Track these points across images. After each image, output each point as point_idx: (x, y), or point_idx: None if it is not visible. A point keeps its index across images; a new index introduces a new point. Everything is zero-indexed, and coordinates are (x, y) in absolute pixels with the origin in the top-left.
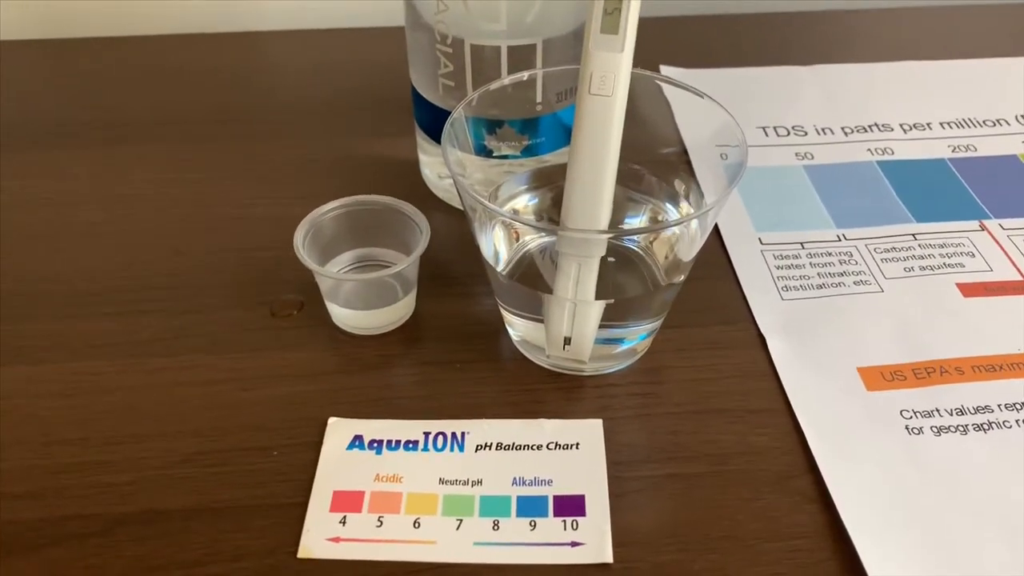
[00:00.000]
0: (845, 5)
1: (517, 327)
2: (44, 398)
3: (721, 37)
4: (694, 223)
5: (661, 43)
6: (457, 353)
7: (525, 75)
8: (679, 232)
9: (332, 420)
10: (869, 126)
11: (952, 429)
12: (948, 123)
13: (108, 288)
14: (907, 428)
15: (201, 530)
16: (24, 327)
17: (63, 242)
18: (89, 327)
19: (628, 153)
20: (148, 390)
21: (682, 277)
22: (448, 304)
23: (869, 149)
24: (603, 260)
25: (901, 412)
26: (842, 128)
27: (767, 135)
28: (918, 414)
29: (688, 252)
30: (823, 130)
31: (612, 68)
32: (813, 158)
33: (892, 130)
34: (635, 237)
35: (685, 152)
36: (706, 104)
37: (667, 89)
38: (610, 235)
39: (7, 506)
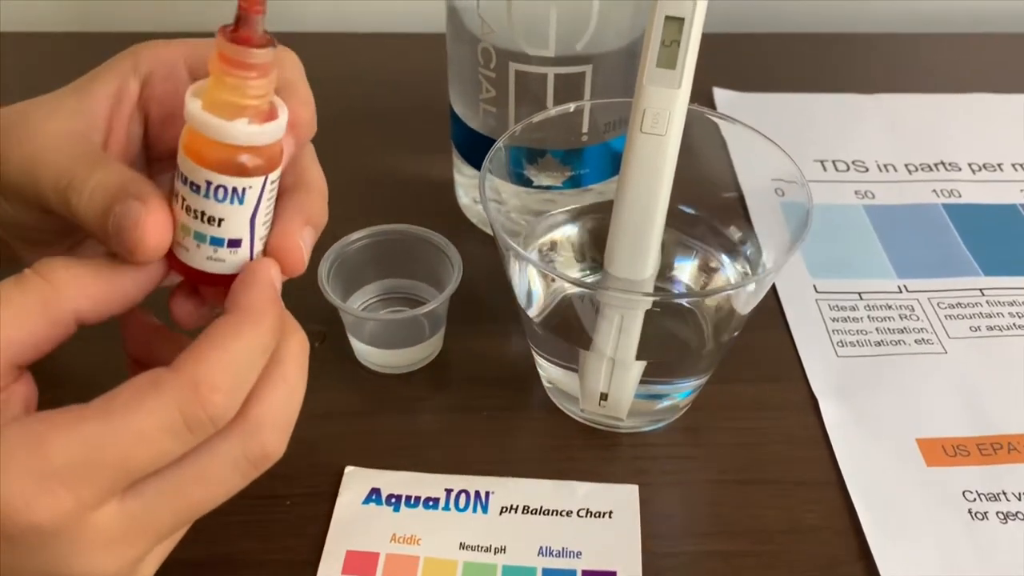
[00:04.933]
0: (912, 29)
1: (550, 374)
2: None
3: (778, 57)
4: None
5: (714, 62)
6: (485, 399)
7: (572, 107)
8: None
9: (349, 469)
10: (935, 164)
11: (1021, 516)
12: (1021, 164)
13: None
14: (970, 512)
15: None
16: None
17: None
18: (96, 348)
19: (679, 194)
20: None
21: (734, 334)
22: (478, 343)
23: (934, 190)
24: (648, 312)
25: (964, 493)
26: (906, 165)
27: (825, 169)
28: (982, 496)
29: (743, 309)
30: (885, 166)
31: (667, 105)
32: (874, 197)
33: (960, 169)
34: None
35: (741, 196)
36: (766, 147)
37: (724, 126)
38: (656, 298)
39: None
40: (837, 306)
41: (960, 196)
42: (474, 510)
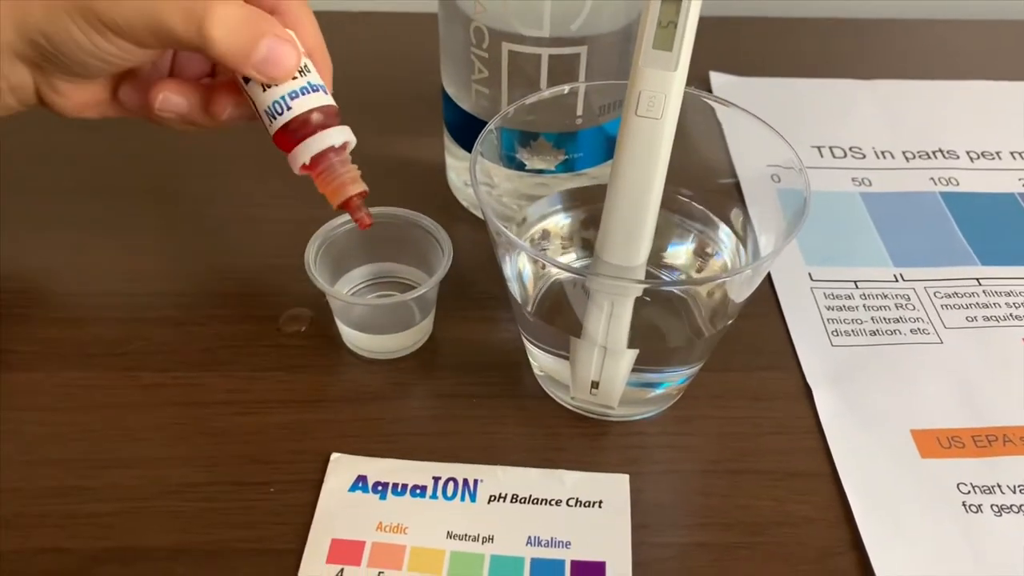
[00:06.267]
0: (911, 15)
1: (540, 361)
2: (30, 411)
3: (776, 42)
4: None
5: (710, 46)
6: (474, 386)
7: (566, 88)
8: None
9: (335, 456)
10: (933, 152)
11: (1015, 509)
12: (1019, 153)
13: (105, 291)
14: (964, 505)
15: (185, 574)
16: (12, 330)
17: (59, 236)
18: (83, 333)
19: (674, 179)
20: (140, 408)
21: (728, 323)
22: (468, 328)
23: (932, 178)
24: (639, 299)
25: (958, 485)
26: (903, 152)
27: (822, 155)
28: (977, 489)
29: (737, 296)
30: (882, 153)
31: (663, 88)
32: (871, 185)
33: (957, 157)
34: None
35: (737, 181)
36: (763, 132)
37: (720, 110)
38: (646, 285)
39: None
40: (832, 294)
41: (958, 184)
42: (462, 499)
